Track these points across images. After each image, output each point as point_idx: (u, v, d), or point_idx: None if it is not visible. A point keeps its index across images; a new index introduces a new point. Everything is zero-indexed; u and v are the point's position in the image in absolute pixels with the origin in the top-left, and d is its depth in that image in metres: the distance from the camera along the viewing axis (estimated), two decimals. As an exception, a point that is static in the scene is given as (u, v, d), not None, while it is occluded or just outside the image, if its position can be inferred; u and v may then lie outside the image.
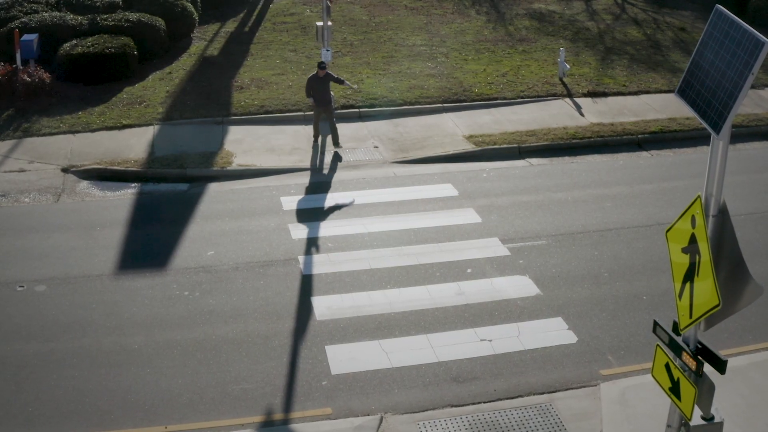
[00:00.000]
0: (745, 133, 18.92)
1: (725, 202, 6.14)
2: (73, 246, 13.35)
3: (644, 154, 17.63)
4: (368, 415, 9.66)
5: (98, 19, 21.31)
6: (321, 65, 16.88)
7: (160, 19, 21.93)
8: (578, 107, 19.60)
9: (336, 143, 17.08)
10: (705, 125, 5.84)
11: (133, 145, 17.07)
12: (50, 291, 12.10)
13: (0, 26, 20.85)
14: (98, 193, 15.36)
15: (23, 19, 20.92)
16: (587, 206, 14.97)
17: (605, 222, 14.37)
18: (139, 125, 17.87)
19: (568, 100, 20.01)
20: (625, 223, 14.36)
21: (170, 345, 10.88)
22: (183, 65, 21.43)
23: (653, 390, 9.70)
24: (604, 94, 20.40)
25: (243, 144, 17.25)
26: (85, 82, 19.74)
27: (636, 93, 20.63)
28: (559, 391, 10.17)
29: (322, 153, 17.04)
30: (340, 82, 17.26)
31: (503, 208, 14.78)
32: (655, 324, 6.78)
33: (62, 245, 13.37)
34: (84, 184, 15.66)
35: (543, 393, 10.13)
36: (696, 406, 6.55)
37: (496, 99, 19.71)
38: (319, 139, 17.31)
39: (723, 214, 6.07)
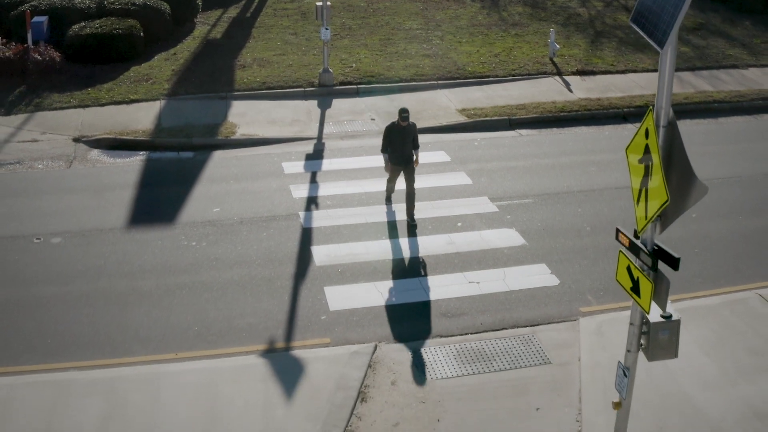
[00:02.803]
0: (727, 109, 19.73)
1: (674, 114, 6.89)
2: (85, 205, 14.13)
3: (629, 126, 18.40)
4: (364, 343, 10.47)
5: (105, 2, 22.09)
6: (405, 115, 13.11)
7: (165, 4, 22.72)
8: (567, 84, 20.40)
9: (410, 215, 13.42)
10: (652, 43, 6.61)
11: (140, 118, 17.87)
12: (65, 243, 12.89)
13: (11, 9, 21.67)
14: (108, 160, 16.17)
15: (33, 2, 21.72)
16: (573, 170, 15.75)
17: (589, 184, 15.15)
18: (147, 100, 18.67)
19: (557, 78, 20.80)
20: (608, 185, 15.13)
21: (179, 287, 11.66)
22: (187, 47, 22.25)
23: (628, 323, 10.49)
24: (593, 73, 21.20)
25: (246, 117, 18.04)
26: (94, 62, 20.51)
27: (623, 72, 21.42)
28: (541, 324, 10.97)
29: (321, 125, 17.85)
30: (416, 146, 13.47)
31: (493, 172, 15.57)
32: (618, 231, 7.56)
33: (75, 204, 14.16)
34: (95, 152, 16.46)
35: (526, 326, 10.93)
36: (654, 304, 7.35)
37: (488, 77, 20.51)
38: (393, 199, 13.97)
39: (672, 125, 6.83)
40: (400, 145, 13.29)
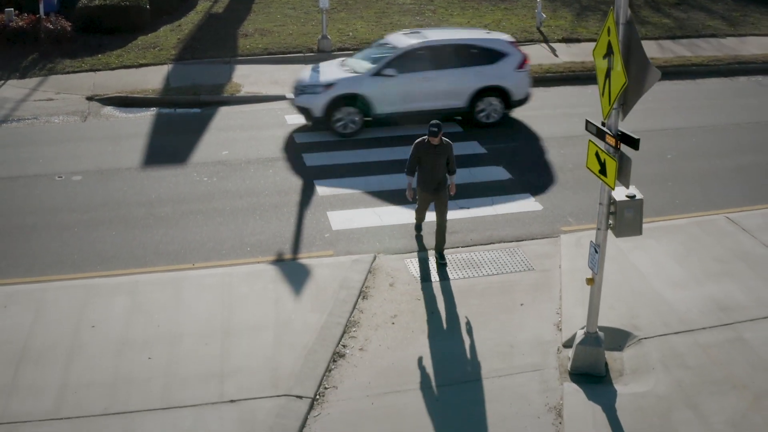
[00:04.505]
0: (705, 71, 20.88)
1: (632, 15, 7.91)
2: (102, 150, 15.14)
3: (612, 86, 19.49)
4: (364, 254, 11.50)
5: (112, -23, 23.17)
6: (433, 129, 10.73)
7: (169, -21, 23.84)
8: (553, 50, 21.49)
9: (440, 250, 11.38)
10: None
11: (150, 79, 18.88)
12: (85, 179, 13.88)
13: (23, -17, 22.70)
14: (121, 115, 17.18)
15: (44, -22, 22.76)
16: (556, 120, 16.83)
17: (571, 131, 16.19)
18: (155, 64, 19.73)
19: (544, 44, 21.90)
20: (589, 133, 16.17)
21: (194, 212, 12.68)
22: (191, 20, 23.32)
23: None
24: (577, 41, 22.32)
25: (249, 78, 19.08)
26: (102, 32, 21.61)
27: (607, 40, 22.50)
28: (525, 240, 12.01)
29: (321, 85, 18.89)
30: (452, 171, 11.21)
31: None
32: (587, 122, 8.60)
33: (92, 150, 15.16)
34: (108, 109, 17.48)
35: (512, 242, 11.97)
36: (619, 183, 8.37)
37: (479, 43, 21.62)
38: (423, 228, 11.97)
39: (630, 24, 7.86)
40: (429, 169, 10.97)
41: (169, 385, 8.76)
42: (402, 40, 16.20)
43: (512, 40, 16.86)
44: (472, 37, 16.53)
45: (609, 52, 7.97)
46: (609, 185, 8.25)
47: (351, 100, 15.40)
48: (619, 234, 8.66)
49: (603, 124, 8.38)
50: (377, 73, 15.47)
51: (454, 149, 11.17)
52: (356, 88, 15.40)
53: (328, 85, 15.42)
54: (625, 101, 8.03)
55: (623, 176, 8.25)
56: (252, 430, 8.16)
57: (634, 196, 8.57)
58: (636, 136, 8.03)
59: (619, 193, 8.58)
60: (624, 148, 8.21)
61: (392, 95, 15.49)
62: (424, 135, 10.99)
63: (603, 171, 8.34)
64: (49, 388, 8.72)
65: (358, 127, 15.62)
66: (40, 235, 12.05)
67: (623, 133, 8.18)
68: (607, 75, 8.06)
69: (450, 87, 15.78)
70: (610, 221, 8.66)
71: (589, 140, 8.63)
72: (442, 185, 11.12)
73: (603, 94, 8.19)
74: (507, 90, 16.13)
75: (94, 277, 10.94)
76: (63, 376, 8.88)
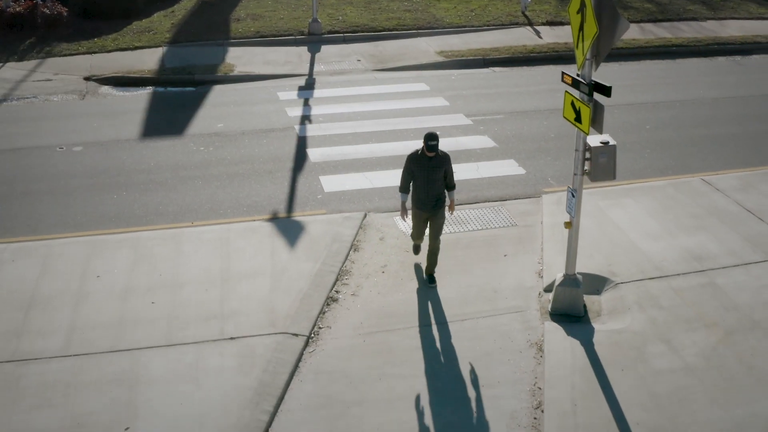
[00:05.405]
0: (685, 52, 21.49)
1: (607, -22, 8.50)
2: (101, 124, 15.63)
3: (594, 65, 20.11)
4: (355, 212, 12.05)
5: (107, -35, 23.62)
6: (432, 143, 9.63)
7: (162, -33, 24.30)
8: (537, 33, 22.09)
9: (430, 272, 10.39)
10: None
11: (145, 60, 19.37)
12: (86, 150, 14.37)
13: (18, -29, 23.14)
14: (118, 94, 17.66)
15: (39, -34, 23.21)
16: (540, 95, 17.40)
17: (555, 105, 16.79)
18: (150, 47, 20.20)
19: (528, 27, 22.50)
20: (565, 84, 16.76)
21: (191, 178, 13.18)
22: (184, 6, 23.81)
23: (585, 194, 12.09)
24: (561, 24, 22.93)
25: (242, 59, 19.59)
26: (97, 17, 22.05)
27: (590, 23, 23.14)
28: (509, 200, 12.57)
29: (312, 65, 19.41)
30: (451, 186, 10.15)
31: (468, 97, 17.20)
32: (563, 73, 9.16)
33: (92, 124, 15.64)
34: (105, 88, 17.96)
35: (496, 201, 12.53)
36: (594, 131, 8.94)
37: (465, 26, 22.20)
38: (420, 251, 10.91)
39: (602, -21, 8.45)
40: (424, 183, 9.96)
41: (172, 326, 9.28)
42: None
43: None
44: None
45: (582, 6, 8.53)
46: (584, 131, 8.81)
47: None
48: (594, 178, 9.22)
49: (578, 75, 8.95)
50: None
51: (451, 172, 10.07)
52: None
53: None
54: (598, 52, 8.59)
55: (597, 123, 8.81)
56: (251, 363, 8.69)
57: (608, 142, 9.15)
58: (608, 84, 8.59)
59: (594, 140, 9.15)
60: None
61: None
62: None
63: (578, 118, 8.90)
64: (58, 330, 9.22)
65: None
66: (43, 199, 12.53)
67: (596, 82, 8.75)
68: (581, 28, 8.62)
69: None
70: (586, 167, 9.24)
71: (566, 91, 9.20)
72: (440, 202, 10.12)
73: (577, 47, 8.75)
74: None
75: (97, 234, 11.47)
76: (70, 319, 9.38)
